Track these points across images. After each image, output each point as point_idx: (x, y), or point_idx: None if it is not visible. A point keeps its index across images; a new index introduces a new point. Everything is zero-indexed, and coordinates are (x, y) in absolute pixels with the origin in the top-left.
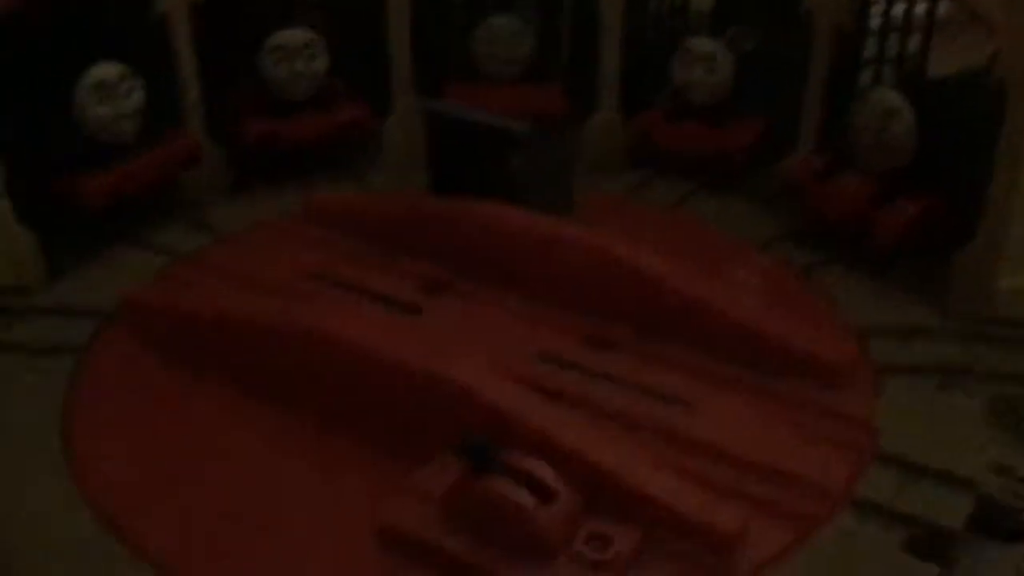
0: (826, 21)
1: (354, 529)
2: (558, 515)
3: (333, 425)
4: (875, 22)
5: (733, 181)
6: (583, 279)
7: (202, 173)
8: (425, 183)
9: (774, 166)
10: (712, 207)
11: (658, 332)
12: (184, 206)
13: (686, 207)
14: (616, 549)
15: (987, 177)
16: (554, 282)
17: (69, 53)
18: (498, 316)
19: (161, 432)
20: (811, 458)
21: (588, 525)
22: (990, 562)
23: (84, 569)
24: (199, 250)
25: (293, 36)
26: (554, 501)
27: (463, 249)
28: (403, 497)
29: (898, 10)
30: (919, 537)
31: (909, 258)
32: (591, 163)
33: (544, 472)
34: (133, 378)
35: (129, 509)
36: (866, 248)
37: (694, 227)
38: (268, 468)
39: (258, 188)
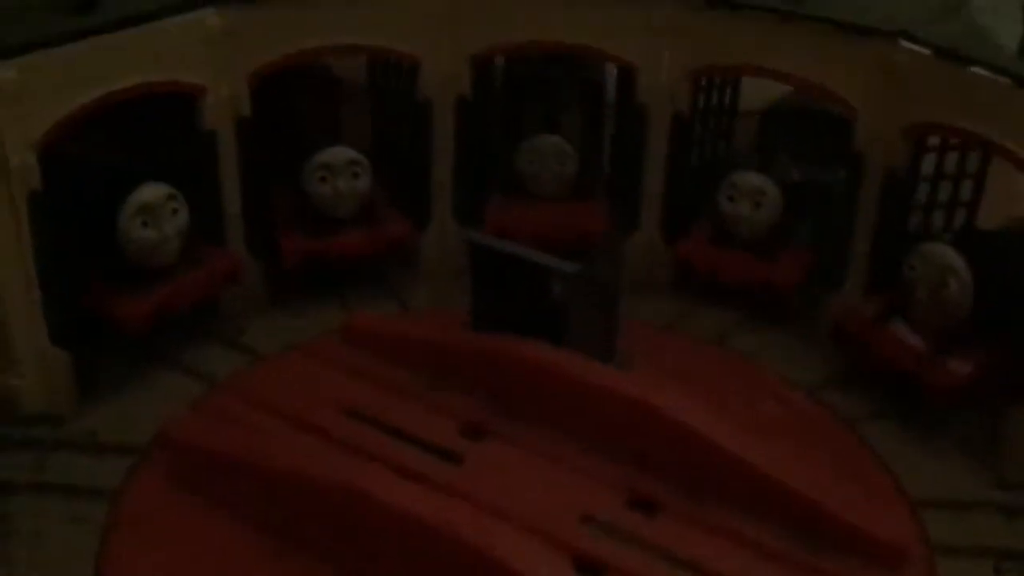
0: (878, 162)
1: None
2: None
3: None
4: (927, 168)
5: (778, 315)
6: (628, 431)
7: (241, 289)
8: (463, 300)
9: (820, 302)
10: (756, 343)
11: (705, 493)
12: (221, 322)
13: (729, 342)
14: None
15: None
16: (596, 432)
17: (114, 173)
18: (540, 469)
19: None
20: None
21: None
22: None
23: None
24: (236, 376)
25: (338, 154)
26: None
27: (504, 389)
28: None
29: (951, 158)
30: None
31: (964, 414)
32: (631, 286)
33: None
34: (168, 524)
35: None
36: (917, 402)
37: (740, 367)
38: None
39: (296, 304)
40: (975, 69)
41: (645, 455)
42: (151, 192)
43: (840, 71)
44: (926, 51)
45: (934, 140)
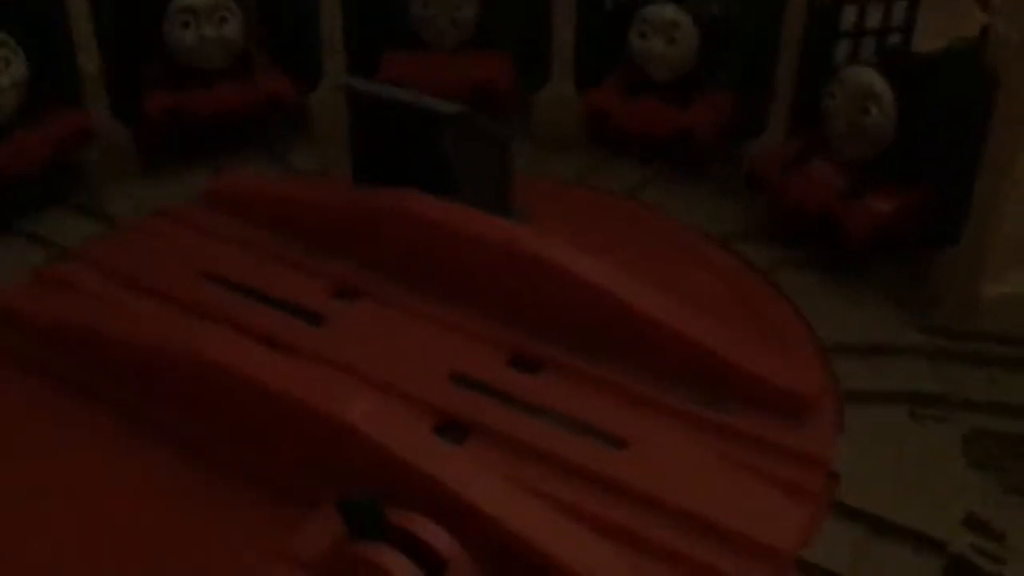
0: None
1: None
2: None
3: (217, 463)
4: None
5: (696, 165)
6: (512, 285)
7: (103, 154)
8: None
9: (741, 149)
10: (672, 195)
11: (596, 350)
12: (79, 190)
13: (643, 194)
14: None
15: (974, 171)
16: (480, 288)
17: None
18: (412, 328)
19: (19, 467)
20: (759, 512)
21: None
22: None
23: None
24: (86, 243)
25: None
26: (444, 573)
27: (381, 246)
28: (276, 566)
29: None
30: None
31: (885, 258)
32: (541, 141)
33: (436, 537)
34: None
35: None
36: (836, 247)
37: (648, 220)
38: (141, 510)
39: (167, 170)
40: None
41: (534, 311)
42: None
43: None
44: None
45: None
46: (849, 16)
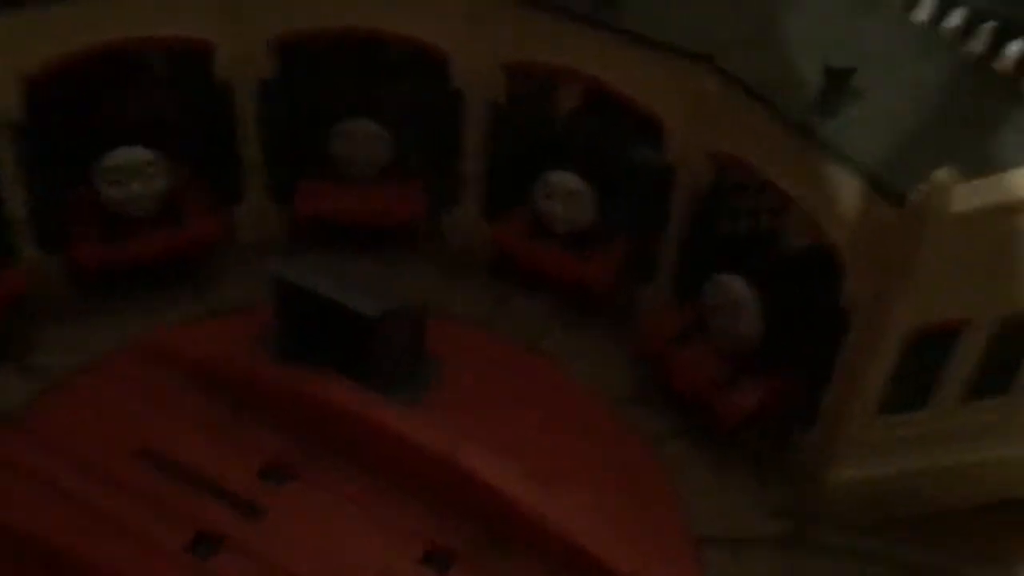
0: (686, 181)
1: None
2: None
3: None
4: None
5: (591, 310)
6: (426, 479)
7: (31, 292)
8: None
9: (635, 294)
10: (567, 343)
11: (502, 545)
12: (9, 334)
13: (542, 342)
14: None
15: (829, 368)
16: (396, 478)
17: None
18: (343, 523)
19: None
20: None
21: None
22: None
23: None
24: (15, 411)
25: (130, 157)
26: None
27: (307, 426)
28: None
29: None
30: None
31: (758, 432)
32: (449, 265)
33: None
34: None
35: None
36: (710, 424)
37: (546, 378)
38: None
39: (91, 310)
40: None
41: (444, 505)
42: None
43: (651, 86)
44: (730, 81)
45: None
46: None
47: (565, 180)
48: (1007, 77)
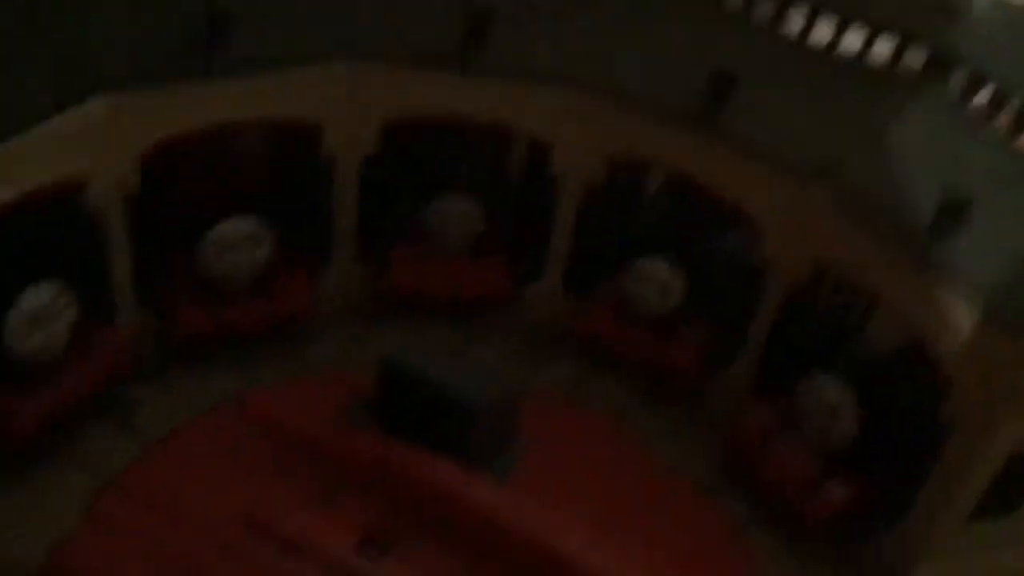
0: (780, 284)
1: None
2: None
3: None
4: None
5: (674, 391)
6: (517, 560)
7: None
8: (365, 353)
9: (715, 377)
10: (651, 424)
11: None
12: (111, 393)
13: (626, 420)
14: None
15: (922, 472)
16: (491, 559)
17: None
18: None
19: None
20: None
21: None
22: None
23: None
24: (127, 473)
25: (236, 230)
26: None
27: (403, 500)
28: None
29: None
30: None
31: (840, 530)
32: (535, 334)
33: None
34: None
35: None
36: (797, 518)
37: (631, 459)
38: None
39: (187, 370)
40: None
41: None
42: (39, 296)
43: (753, 193)
44: (832, 192)
45: None
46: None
47: (656, 269)
48: None
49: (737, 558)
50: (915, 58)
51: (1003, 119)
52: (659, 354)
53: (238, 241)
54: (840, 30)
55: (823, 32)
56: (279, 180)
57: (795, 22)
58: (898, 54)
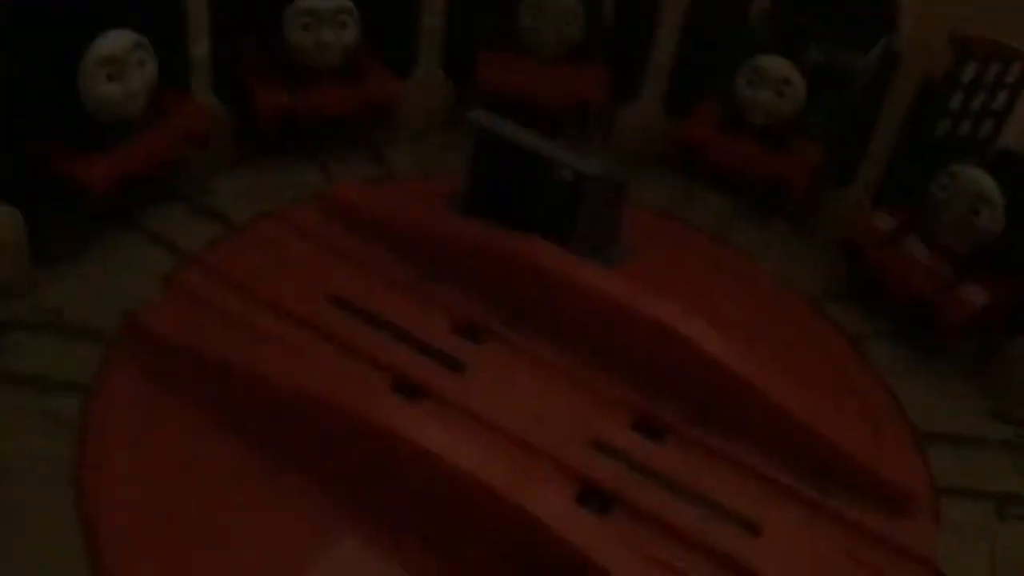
0: (918, 68)
1: None
2: None
3: (367, 515)
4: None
5: (782, 208)
6: (637, 348)
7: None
8: (449, 162)
9: (829, 196)
10: (760, 240)
11: (717, 421)
12: (186, 182)
13: (731, 235)
14: None
15: None
16: (601, 344)
17: (73, 16)
18: (545, 383)
19: (177, 507)
20: None
21: None
22: None
23: None
24: (210, 251)
25: (326, 1)
26: None
27: (505, 289)
28: None
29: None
30: None
31: (970, 340)
32: (626, 159)
33: None
34: (150, 432)
35: None
36: (923, 323)
37: (742, 273)
38: (290, 555)
39: (267, 161)
40: None
41: (653, 374)
42: (117, 42)
43: None
44: None
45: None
46: (957, 99)
47: (777, 66)
48: None
49: (859, 362)
50: None
51: None
52: (771, 164)
53: (328, 13)
54: None
55: None
56: None
57: None
58: None
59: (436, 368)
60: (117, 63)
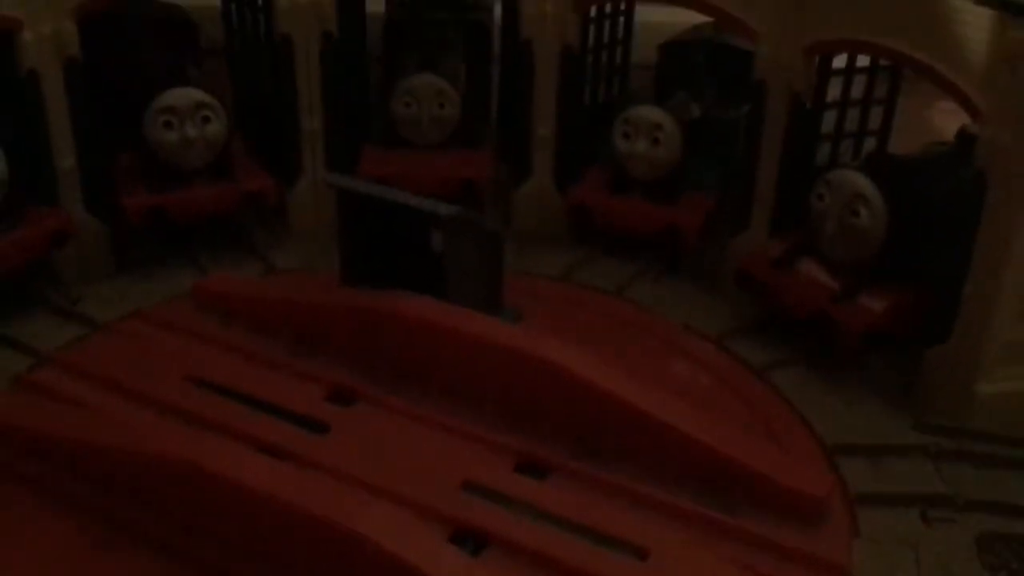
0: (782, 89)
1: None
2: None
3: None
4: (833, 94)
5: (680, 263)
6: (516, 389)
7: (78, 253)
8: (335, 265)
9: (725, 246)
10: (659, 293)
11: (603, 454)
12: (56, 290)
13: (630, 293)
14: None
15: (963, 269)
16: (481, 391)
17: None
18: (416, 434)
19: None
20: None
21: None
22: None
23: None
24: (66, 348)
25: (184, 96)
26: None
27: (377, 350)
28: None
29: (859, 83)
30: None
31: (876, 355)
32: (523, 237)
33: None
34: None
35: None
36: (828, 345)
37: (639, 319)
38: None
39: (145, 268)
40: None
41: (536, 414)
42: None
43: None
44: None
45: (840, 64)
46: (829, 120)
47: (647, 113)
48: None
49: (762, 388)
50: None
51: None
52: (658, 220)
53: (188, 109)
54: None
55: None
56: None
57: None
58: None
59: (296, 432)
60: None
